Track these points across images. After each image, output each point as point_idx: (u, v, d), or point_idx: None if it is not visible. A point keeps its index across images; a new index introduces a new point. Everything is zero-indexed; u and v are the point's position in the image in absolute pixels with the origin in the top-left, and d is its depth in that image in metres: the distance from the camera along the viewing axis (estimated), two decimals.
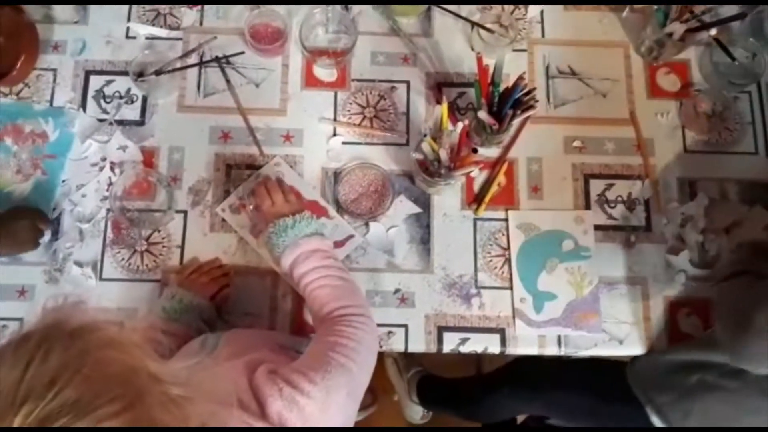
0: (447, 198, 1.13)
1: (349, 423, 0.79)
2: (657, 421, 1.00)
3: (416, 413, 1.72)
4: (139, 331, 0.59)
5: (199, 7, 1.19)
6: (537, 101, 0.99)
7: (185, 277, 1.04)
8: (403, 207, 1.12)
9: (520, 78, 0.98)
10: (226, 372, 0.76)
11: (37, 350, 0.52)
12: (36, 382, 0.50)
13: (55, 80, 1.15)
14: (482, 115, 0.98)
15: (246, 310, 1.07)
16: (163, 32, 1.16)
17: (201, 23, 1.18)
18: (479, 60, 0.98)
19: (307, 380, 0.72)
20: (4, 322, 1.05)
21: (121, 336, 0.57)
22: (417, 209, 1.12)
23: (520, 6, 1.19)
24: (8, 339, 0.55)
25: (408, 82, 1.17)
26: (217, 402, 0.65)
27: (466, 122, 0.96)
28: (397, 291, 1.09)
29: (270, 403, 0.69)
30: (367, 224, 1.11)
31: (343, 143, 1.14)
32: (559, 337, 1.08)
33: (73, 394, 0.51)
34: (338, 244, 1.10)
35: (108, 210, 1.09)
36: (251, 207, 1.09)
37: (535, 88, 1.02)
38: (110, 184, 1.10)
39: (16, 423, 0.48)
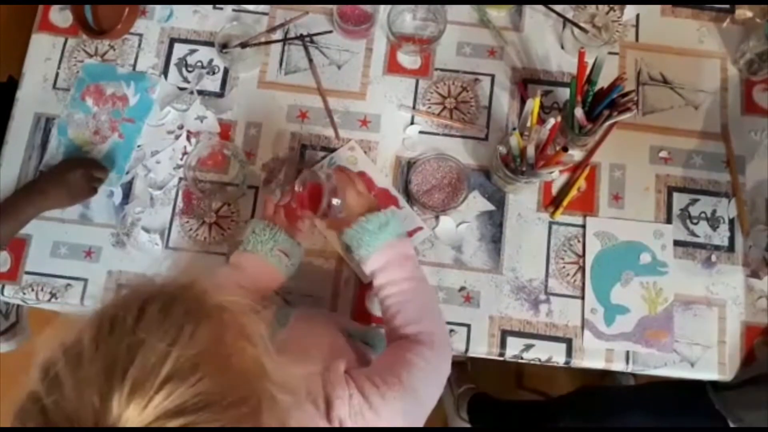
0: (523, 198, 1.09)
1: None
2: None
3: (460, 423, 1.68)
4: (264, 319, 0.55)
5: None
6: (635, 103, 0.95)
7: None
8: (476, 203, 1.09)
9: (620, 78, 0.94)
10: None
11: (185, 324, 0.49)
12: (182, 363, 0.46)
13: (140, 45, 1.15)
14: (578, 113, 0.94)
15: (307, 292, 1.05)
16: (250, 5, 1.15)
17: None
18: (581, 55, 0.94)
19: (378, 395, 0.69)
20: (69, 281, 1.05)
21: (252, 325, 0.53)
22: (491, 207, 1.09)
23: (616, 8, 1.15)
24: (146, 293, 0.51)
25: (493, 76, 1.14)
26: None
27: (558, 118, 0.92)
28: (462, 289, 1.06)
29: (337, 406, 0.66)
30: (437, 217, 1.08)
31: (420, 132, 1.12)
32: (627, 353, 1.04)
33: (211, 386, 0.47)
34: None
35: (180, 179, 1.08)
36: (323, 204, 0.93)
37: (633, 91, 0.98)
38: (185, 153, 1.09)
39: (156, 400, 0.44)
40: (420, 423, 0.75)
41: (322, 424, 0.65)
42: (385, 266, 0.85)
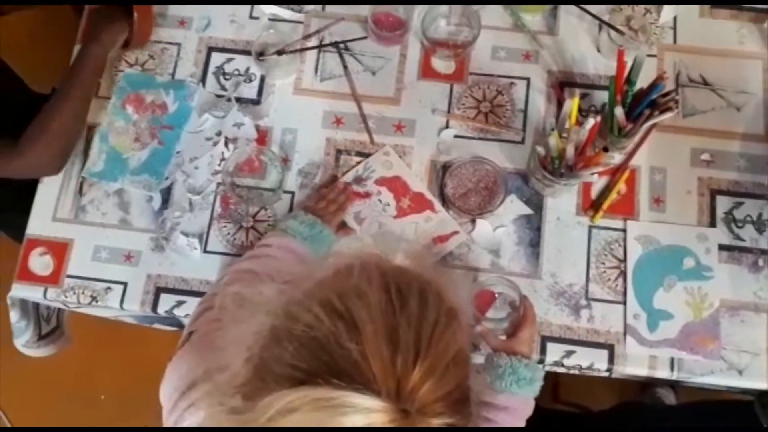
0: (562, 202, 1.07)
1: None
2: None
3: None
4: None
5: None
6: (677, 102, 0.94)
7: (314, 205, 1.03)
8: (513, 207, 1.08)
9: (660, 77, 0.93)
10: None
11: (452, 320, 0.52)
12: (456, 354, 0.50)
13: (178, 54, 1.17)
14: (618, 112, 0.93)
15: None
16: (286, 13, 1.17)
17: (323, 7, 1.19)
18: (620, 53, 0.93)
19: None
20: (109, 285, 1.06)
21: (465, 336, 0.55)
22: (528, 210, 1.07)
23: (653, 10, 1.14)
24: (422, 279, 0.54)
25: (528, 79, 1.13)
26: None
27: (598, 118, 0.91)
28: (500, 294, 1.04)
29: None
30: (473, 221, 1.07)
31: (455, 136, 1.11)
32: (672, 360, 1.01)
33: (464, 380, 0.51)
34: (442, 239, 1.06)
35: (219, 184, 1.10)
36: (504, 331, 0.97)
37: (674, 90, 0.97)
38: (223, 159, 1.10)
39: (440, 383, 0.48)
40: None
41: None
42: (504, 409, 0.86)
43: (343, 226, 1.06)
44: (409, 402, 0.46)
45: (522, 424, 0.89)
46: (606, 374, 1.04)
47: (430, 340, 0.49)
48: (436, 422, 0.46)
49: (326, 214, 1.01)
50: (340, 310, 0.49)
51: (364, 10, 1.15)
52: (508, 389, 0.86)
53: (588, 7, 1.14)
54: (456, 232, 1.07)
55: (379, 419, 0.44)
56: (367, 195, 1.09)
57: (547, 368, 1.03)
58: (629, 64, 0.95)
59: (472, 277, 1.05)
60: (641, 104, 0.95)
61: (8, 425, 1.78)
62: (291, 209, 1.08)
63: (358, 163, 1.10)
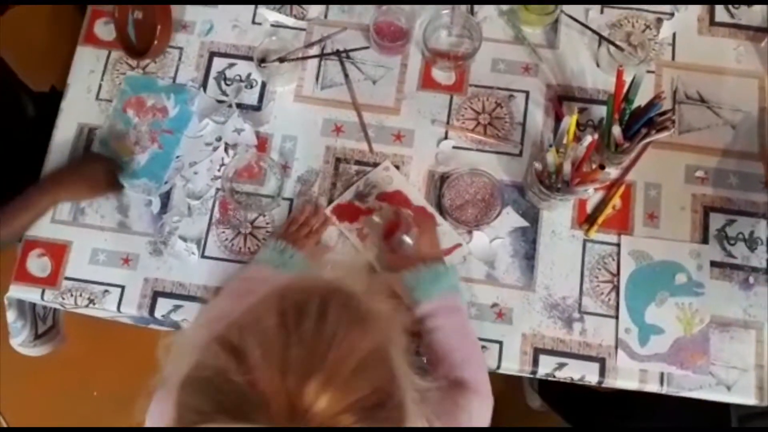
0: (557, 215, 1.09)
1: None
2: None
3: (535, 400, 1.67)
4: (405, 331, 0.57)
5: None
6: (673, 122, 0.95)
7: (284, 231, 1.04)
8: (509, 219, 1.09)
9: (658, 96, 0.94)
10: None
11: (361, 322, 0.52)
12: (364, 360, 0.49)
13: (180, 58, 1.17)
14: (615, 131, 0.94)
15: None
16: (289, 20, 1.17)
17: (326, 16, 1.19)
18: (620, 73, 0.94)
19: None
20: (107, 288, 1.07)
21: (396, 339, 0.55)
22: (524, 223, 1.09)
23: (652, 26, 1.15)
24: (323, 288, 0.54)
25: (527, 93, 1.14)
26: None
27: (596, 136, 0.92)
28: (494, 305, 1.05)
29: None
30: (470, 232, 1.08)
31: (454, 147, 1.12)
32: (662, 375, 1.02)
33: (383, 384, 0.50)
34: (444, 253, 1.07)
35: (218, 190, 1.10)
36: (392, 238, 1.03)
37: (672, 110, 0.98)
38: (222, 164, 1.11)
39: (344, 392, 0.46)
40: None
41: None
42: (433, 313, 0.89)
43: (319, 249, 1.05)
44: (307, 418, 0.45)
45: (459, 320, 0.92)
46: (597, 386, 1.06)
47: (327, 353, 0.48)
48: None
49: (298, 238, 1.02)
50: (235, 344, 0.49)
51: (367, 19, 1.16)
52: (424, 296, 0.90)
53: (588, 22, 1.15)
54: (459, 245, 1.07)
55: None
56: (370, 211, 1.09)
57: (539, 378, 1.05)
58: (627, 83, 0.96)
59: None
60: (638, 122, 0.96)
61: (1, 419, 1.78)
62: (289, 216, 1.09)
63: (357, 172, 1.11)
